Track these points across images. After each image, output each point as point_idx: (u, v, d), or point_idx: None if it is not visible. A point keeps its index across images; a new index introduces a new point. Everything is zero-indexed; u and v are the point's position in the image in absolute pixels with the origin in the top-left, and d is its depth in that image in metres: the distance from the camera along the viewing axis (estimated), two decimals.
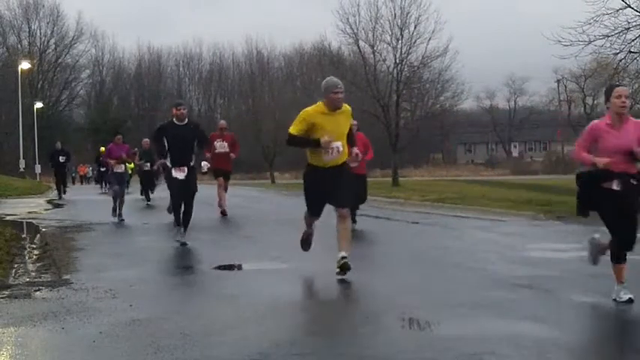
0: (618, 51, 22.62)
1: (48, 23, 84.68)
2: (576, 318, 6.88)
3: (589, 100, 76.60)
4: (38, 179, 56.43)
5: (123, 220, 18.05)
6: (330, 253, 11.47)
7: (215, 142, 19.16)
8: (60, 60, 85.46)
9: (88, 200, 28.51)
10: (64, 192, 31.43)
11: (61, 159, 32.12)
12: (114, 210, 18.48)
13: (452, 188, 32.87)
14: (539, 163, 76.48)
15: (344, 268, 8.88)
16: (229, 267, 10.48)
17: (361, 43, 40.20)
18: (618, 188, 7.26)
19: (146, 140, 27.52)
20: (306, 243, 9.90)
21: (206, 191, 30.57)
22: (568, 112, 79.90)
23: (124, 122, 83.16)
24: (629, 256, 7.59)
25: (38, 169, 60.12)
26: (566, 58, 24.02)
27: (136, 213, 20.63)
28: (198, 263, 11.10)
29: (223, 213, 18.84)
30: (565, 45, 22.22)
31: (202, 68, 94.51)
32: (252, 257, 11.38)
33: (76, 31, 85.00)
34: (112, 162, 19.49)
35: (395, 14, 39.15)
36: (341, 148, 9.08)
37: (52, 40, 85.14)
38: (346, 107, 9.26)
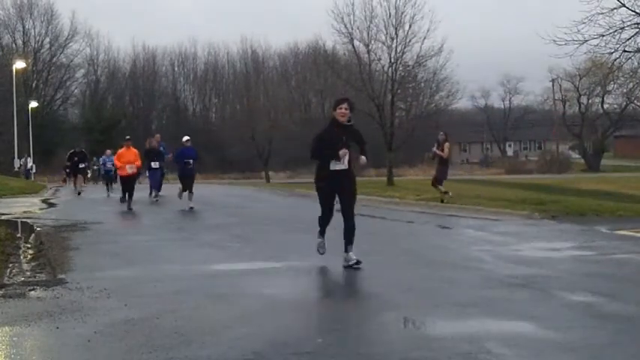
0: (613, 50, 22.65)
1: (42, 22, 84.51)
2: (571, 317, 6.89)
3: (584, 100, 76.68)
4: (32, 178, 56.30)
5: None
6: (324, 254, 11.48)
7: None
8: (54, 59, 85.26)
9: (84, 200, 28.44)
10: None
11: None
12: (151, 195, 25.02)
13: (447, 187, 32.87)
14: (534, 163, 76.56)
15: None
16: (224, 266, 10.48)
17: (356, 43, 40.20)
18: None
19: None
20: None
21: (202, 190, 30.59)
22: (563, 111, 79.95)
23: (118, 122, 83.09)
24: (631, 255, 7.59)
25: (34, 168, 59.91)
26: (561, 58, 24.05)
27: (131, 213, 20.61)
28: (193, 262, 11.08)
29: None
30: (560, 44, 22.23)
31: (197, 68, 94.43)
32: (247, 257, 11.38)
33: (71, 31, 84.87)
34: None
35: (390, 13, 39.15)
36: None
37: (47, 40, 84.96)
38: None
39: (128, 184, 21.69)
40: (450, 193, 22.28)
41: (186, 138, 22.73)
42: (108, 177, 32.40)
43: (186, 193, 21.56)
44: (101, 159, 35.62)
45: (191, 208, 20.64)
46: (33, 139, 63.34)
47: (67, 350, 6.02)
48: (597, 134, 76.57)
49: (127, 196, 21.55)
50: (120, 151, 22.47)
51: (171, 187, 25.71)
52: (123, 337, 6.33)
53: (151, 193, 25.48)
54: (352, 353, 5.75)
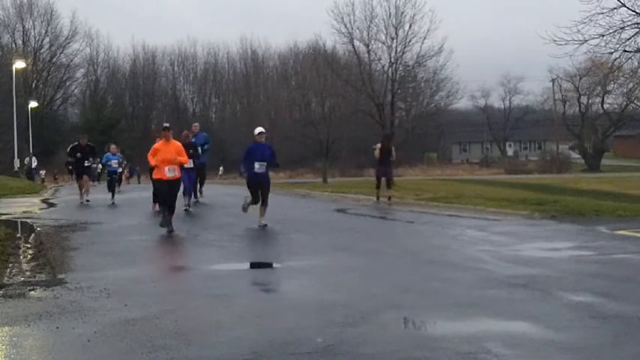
0: (613, 50, 22.64)
1: (42, 22, 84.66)
2: (571, 317, 6.89)
3: (584, 100, 76.77)
4: (40, 179, 56.20)
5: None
6: (325, 254, 11.48)
7: None
8: (54, 59, 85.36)
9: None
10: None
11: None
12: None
13: (447, 187, 32.91)
14: (534, 163, 76.60)
15: None
16: (224, 266, 10.48)
17: (356, 43, 40.34)
18: None
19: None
20: None
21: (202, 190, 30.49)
22: (563, 111, 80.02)
23: (117, 121, 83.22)
24: (631, 255, 7.58)
25: (36, 170, 59.70)
26: (561, 58, 24.11)
27: (132, 213, 20.58)
28: (193, 263, 11.09)
29: None
30: (560, 44, 22.22)
31: (197, 68, 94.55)
32: (247, 257, 11.38)
33: (70, 30, 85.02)
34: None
35: (390, 13, 39.27)
36: None
37: (47, 40, 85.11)
38: None
39: (168, 192, 14.74)
40: (382, 199, 23.27)
41: (259, 130, 16.24)
42: (112, 179, 25.58)
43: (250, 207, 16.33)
44: (104, 157, 27.22)
45: (264, 225, 15.42)
46: (33, 139, 63.32)
47: (67, 350, 6.02)
48: (597, 134, 76.61)
49: (165, 210, 14.82)
50: (156, 145, 14.98)
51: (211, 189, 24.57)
52: (123, 337, 6.32)
53: (187, 202, 20.01)
54: (352, 353, 5.75)
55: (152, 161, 14.74)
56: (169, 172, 14.55)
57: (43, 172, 60.85)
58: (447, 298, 7.82)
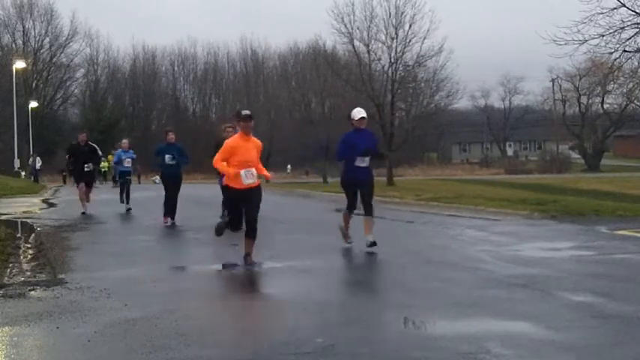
0: (613, 50, 22.63)
1: (42, 22, 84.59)
2: (571, 317, 6.89)
3: (584, 100, 76.80)
4: (29, 177, 56.12)
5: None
6: (324, 254, 11.48)
7: None
8: (54, 59, 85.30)
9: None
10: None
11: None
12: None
13: (447, 187, 32.90)
14: (534, 163, 76.61)
15: None
16: (224, 267, 10.47)
17: (356, 43, 40.24)
18: None
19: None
20: None
21: (201, 190, 30.46)
22: (563, 111, 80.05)
23: (118, 121, 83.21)
24: (631, 255, 7.57)
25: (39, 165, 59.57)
26: (561, 58, 24.10)
27: (132, 213, 20.55)
28: (193, 263, 11.08)
29: None
30: (560, 44, 22.22)
31: (197, 68, 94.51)
32: None
33: (70, 30, 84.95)
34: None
35: (390, 13, 39.19)
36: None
37: (47, 40, 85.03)
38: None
39: (246, 206, 10.51)
40: None
41: (361, 114, 12.21)
42: (125, 181, 21.61)
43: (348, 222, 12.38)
44: (115, 154, 23.02)
45: (372, 243, 11.51)
46: (33, 139, 63.33)
47: (67, 350, 6.02)
48: (597, 134, 76.64)
49: (243, 229, 10.75)
50: (230, 141, 10.55)
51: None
52: (123, 337, 6.32)
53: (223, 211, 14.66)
54: (352, 353, 5.74)
55: (223, 167, 10.37)
56: (247, 178, 10.25)
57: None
58: (447, 298, 7.82)
